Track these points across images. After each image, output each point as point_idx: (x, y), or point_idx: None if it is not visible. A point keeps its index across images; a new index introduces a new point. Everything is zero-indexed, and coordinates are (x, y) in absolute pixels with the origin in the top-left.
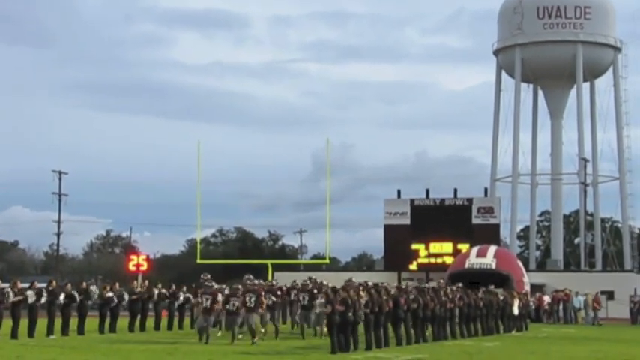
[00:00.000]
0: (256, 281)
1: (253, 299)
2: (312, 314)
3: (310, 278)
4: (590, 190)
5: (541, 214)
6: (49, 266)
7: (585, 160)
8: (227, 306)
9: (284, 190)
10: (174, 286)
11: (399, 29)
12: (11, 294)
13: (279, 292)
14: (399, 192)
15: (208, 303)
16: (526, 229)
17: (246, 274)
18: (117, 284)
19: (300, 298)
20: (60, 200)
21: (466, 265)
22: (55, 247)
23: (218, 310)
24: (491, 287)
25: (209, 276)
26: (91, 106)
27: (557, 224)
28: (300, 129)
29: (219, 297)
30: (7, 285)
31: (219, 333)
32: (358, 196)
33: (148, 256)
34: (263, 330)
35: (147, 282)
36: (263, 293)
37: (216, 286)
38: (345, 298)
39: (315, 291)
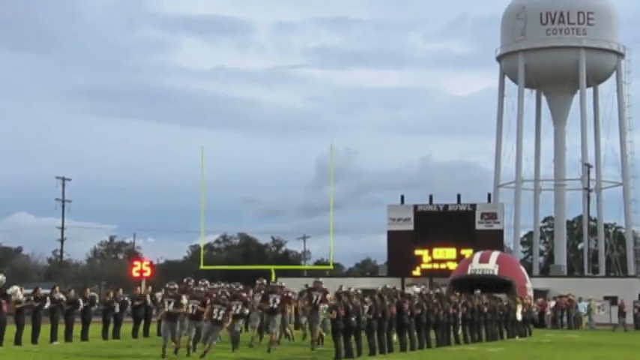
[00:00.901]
0: (216, 285)
1: (222, 312)
2: (277, 319)
3: (266, 281)
4: (594, 195)
5: (544, 220)
6: (52, 272)
7: (588, 166)
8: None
9: (288, 195)
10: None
11: (402, 35)
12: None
13: (248, 299)
14: (402, 198)
15: (171, 306)
16: (529, 234)
17: (201, 280)
18: (120, 290)
19: (271, 301)
20: (63, 206)
21: (469, 271)
22: (59, 254)
23: (182, 316)
24: (478, 292)
25: (193, 281)
26: (94, 111)
27: (561, 230)
28: (304, 134)
29: (184, 300)
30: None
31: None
32: (362, 202)
33: (151, 262)
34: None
35: (150, 288)
36: (232, 306)
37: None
38: (346, 303)
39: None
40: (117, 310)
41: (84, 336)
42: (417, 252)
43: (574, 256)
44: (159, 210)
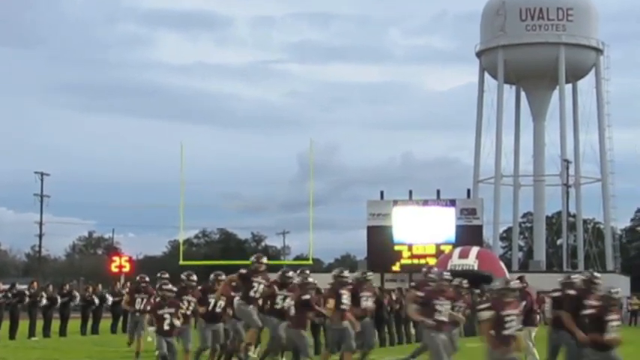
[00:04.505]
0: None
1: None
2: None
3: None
4: (573, 191)
5: (524, 216)
6: (30, 268)
7: (568, 162)
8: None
9: (269, 191)
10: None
11: (383, 30)
12: None
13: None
14: (382, 193)
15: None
16: (509, 230)
17: (139, 275)
18: (99, 286)
19: None
20: (42, 201)
21: (448, 267)
22: (37, 249)
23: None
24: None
25: (149, 279)
26: (73, 106)
27: (540, 225)
28: (285, 130)
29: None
30: None
31: (150, 338)
32: (343, 198)
33: (130, 258)
34: None
35: (129, 284)
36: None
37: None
38: None
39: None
40: (96, 305)
41: (62, 331)
42: (397, 247)
43: (553, 251)
44: (138, 205)
